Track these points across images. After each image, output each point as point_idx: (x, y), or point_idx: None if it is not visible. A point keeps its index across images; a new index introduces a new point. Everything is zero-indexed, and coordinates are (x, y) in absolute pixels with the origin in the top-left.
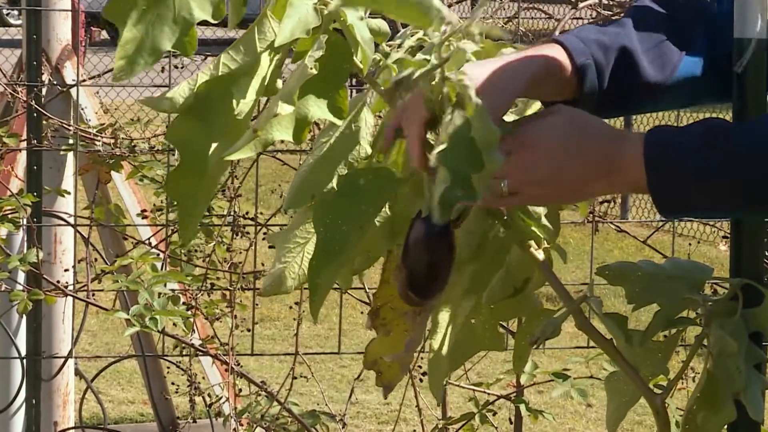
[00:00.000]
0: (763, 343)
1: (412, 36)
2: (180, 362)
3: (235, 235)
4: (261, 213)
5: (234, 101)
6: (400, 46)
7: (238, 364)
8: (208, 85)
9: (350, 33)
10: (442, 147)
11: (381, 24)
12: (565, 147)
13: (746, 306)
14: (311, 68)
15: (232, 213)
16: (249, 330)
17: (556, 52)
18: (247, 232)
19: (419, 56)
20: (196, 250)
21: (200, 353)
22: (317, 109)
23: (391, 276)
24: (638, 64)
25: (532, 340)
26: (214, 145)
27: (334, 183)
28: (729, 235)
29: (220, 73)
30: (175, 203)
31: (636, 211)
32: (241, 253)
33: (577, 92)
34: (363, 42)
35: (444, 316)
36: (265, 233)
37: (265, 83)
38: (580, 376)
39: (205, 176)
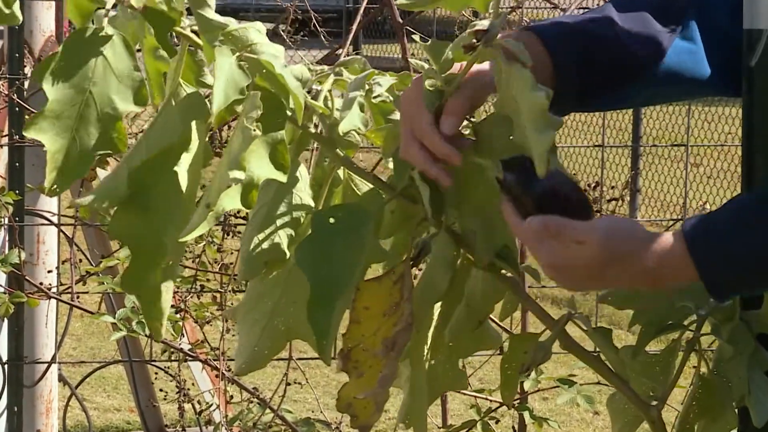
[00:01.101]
0: None
1: (321, 83)
2: (168, 368)
3: (225, 235)
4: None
5: (180, 180)
6: (318, 91)
7: (229, 370)
8: (140, 172)
9: (280, 83)
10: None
11: (303, 71)
12: (599, 273)
13: (748, 308)
14: (254, 129)
15: None
16: (244, 375)
17: (531, 40)
18: (239, 232)
19: (351, 94)
20: (185, 250)
21: (189, 358)
22: (261, 169)
23: (361, 315)
24: (621, 46)
25: (523, 368)
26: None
27: (284, 245)
28: None
29: (147, 156)
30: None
31: (645, 210)
32: (232, 253)
33: (555, 82)
34: (294, 90)
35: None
36: None
37: (202, 152)
38: (586, 382)
39: (162, 264)
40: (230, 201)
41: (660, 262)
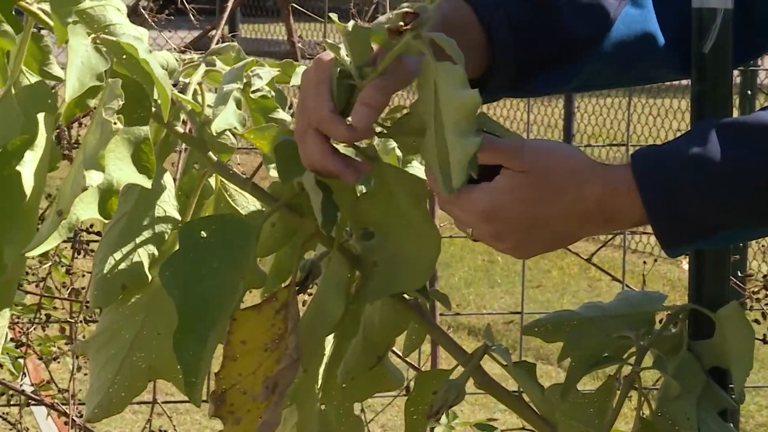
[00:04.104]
0: (730, 384)
1: (189, 75)
2: (7, 414)
3: (76, 254)
4: None
5: (24, 182)
6: (186, 84)
7: (81, 416)
8: None
9: (144, 71)
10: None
11: (168, 57)
12: (532, 214)
13: (701, 338)
14: (114, 122)
15: None
16: (97, 421)
17: (461, 7)
18: (92, 250)
19: (226, 87)
20: (27, 273)
21: (33, 402)
22: (121, 172)
23: (237, 350)
24: (560, 16)
25: (431, 412)
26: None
27: (146, 266)
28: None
29: None
30: None
31: None
32: (83, 275)
33: (488, 57)
34: (160, 79)
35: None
36: None
37: (50, 151)
38: (509, 428)
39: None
40: (85, 209)
41: (604, 193)
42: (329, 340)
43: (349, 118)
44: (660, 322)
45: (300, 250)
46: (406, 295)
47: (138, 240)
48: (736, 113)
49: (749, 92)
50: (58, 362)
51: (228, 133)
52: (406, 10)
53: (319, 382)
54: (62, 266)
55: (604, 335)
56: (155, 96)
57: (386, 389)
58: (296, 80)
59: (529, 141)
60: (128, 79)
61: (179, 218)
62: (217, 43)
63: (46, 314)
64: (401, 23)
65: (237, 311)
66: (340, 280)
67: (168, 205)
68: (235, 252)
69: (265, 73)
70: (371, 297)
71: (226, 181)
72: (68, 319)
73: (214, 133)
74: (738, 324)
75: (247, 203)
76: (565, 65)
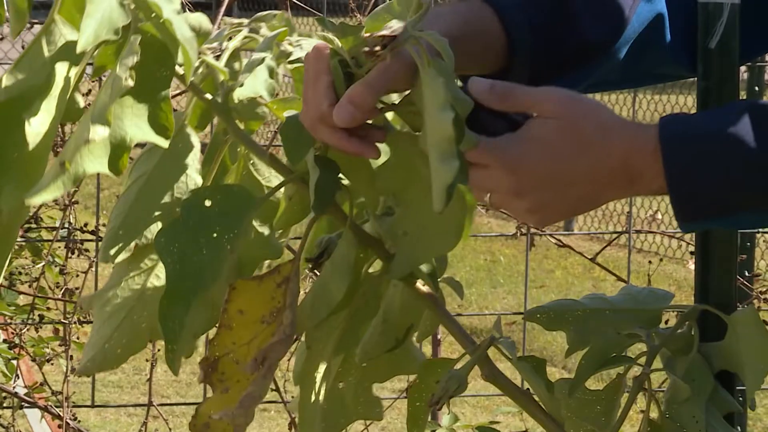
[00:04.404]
0: (738, 387)
1: (231, 38)
2: (0, 416)
3: (70, 254)
4: (104, 225)
5: (27, 129)
6: (221, 48)
7: (75, 419)
8: None
9: (168, 31)
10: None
11: (202, 20)
12: (557, 165)
13: (708, 339)
14: (126, 79)
15: (66, 225)
16: (89, 375)
17: (482, 8)
18: (86, 250)
19: (256, 55)
20: (20, 273)
21: (26, 405)
22: (136, 129)
23: (234, 319)
24: (577, 19)
25: (432, 401)
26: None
27: (160, 227)
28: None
29: (4, 99)
30: None
31: (584, 221)
32: (78, 276)
33: (506, 58)
34: (184, 41)
35: (318, 376)
36: None
37: (65, 103)
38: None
39: None
40: (94, 162)
41: (630, 150)
42: (339, 321)
43: None
44: (665, 323)
45: (309, 226)
46: (419, 282)
47: (155, 201)
48: None
49: (756, 88)
50: (52, 364)
51: (259, 102)
52: (383, 33)
53: (325, 361)
54: (56, 266)
55: (612, 332)
56: (180, 59)
57: (407, 372)
58: None
59: (560, 89)
60: (154, 38)
61: (201, 183)
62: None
63: (39, 315)
64: (377, 48)
65: (238, 281)
66: (347, 260)
67: (191, 168)
68: (236, 222)
69: (307, 44)
70: (405, 268)
71: (252, 151)
72: (62, 320)
73: (236, 100)
74: (754, 329)
75: (269, 174)
76: (580, 68)
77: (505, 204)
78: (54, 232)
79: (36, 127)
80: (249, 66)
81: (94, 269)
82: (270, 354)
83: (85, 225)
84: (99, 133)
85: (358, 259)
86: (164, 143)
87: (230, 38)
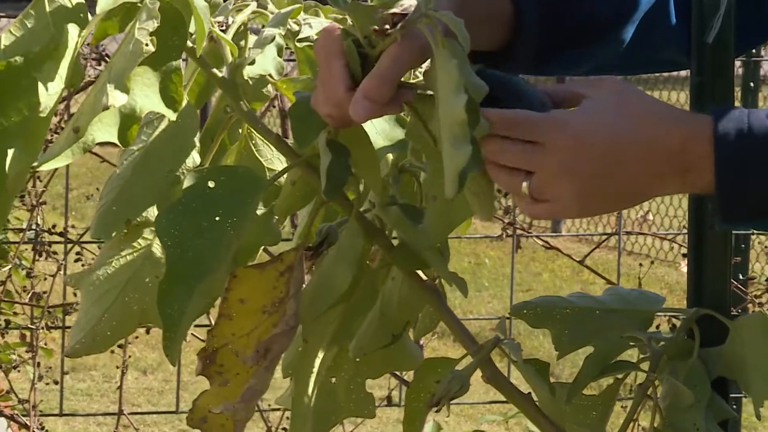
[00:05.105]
0: (732, 395)
1: (239, 10)
2: None
3: (38, 256)
4: (72, 226)
5: (41, 93)
6: (227, 23)
7: (43, 428)
8: None
9: None
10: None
11: None
12: (616, 143)
13: (706, 344)
14: (146, 43)
15: (33, 226)
16: (57, 382)
17: None
18: (54, 252)
19: (268, 31)
20: None
21: None
22: (146, 99)
23: (234, 309)
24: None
25: (432, 402)
26: (10, 152)
27: (154, 204)
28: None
29: (6, 61)
30: None
31: (572, 222)
32: (45, 279)
33: (511, 31)
34: (198, 9)
35: (314, 370)
36: (78, 253)
37: (73, 68)
38: None
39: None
40: (103, 131)
41: (689, 135)
42: (336, 314)
43: None
44: (657, 327)
45: (313, 213)
46: (423, 276)
47: (153, 177)
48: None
49: (752, 84)
50: (18, 371)
51: (266, 80)
52: (394, 11)
53: (321, 355)
54: (23, 269)
55: (611, 334)
56: (192, 28)
57: (401, 368)
58: None
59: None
60: (167, 3)
61: (199, 161)
62: None
63: (5, 320)
64: (387, 26)
65: (240, 269)
66: (353, 250)
67: (191, 146)
68: (240, 206)
69: (316, 23)
70: (434, 237)
71: (253, 130)
72: (29, 326)
73: (246, 77)
74: (761, 335)
75: (272, 155)
76: (585, 46)
77: (550, 187)
78: (21, 234)
79: (52, 91)
80: (260, 42)
81: (62, 273)
82: (272, 346)
83: (54, 226)
84: (118, 98)
85: (364, 249)
86: (173, 115)
87: (238, 11)
